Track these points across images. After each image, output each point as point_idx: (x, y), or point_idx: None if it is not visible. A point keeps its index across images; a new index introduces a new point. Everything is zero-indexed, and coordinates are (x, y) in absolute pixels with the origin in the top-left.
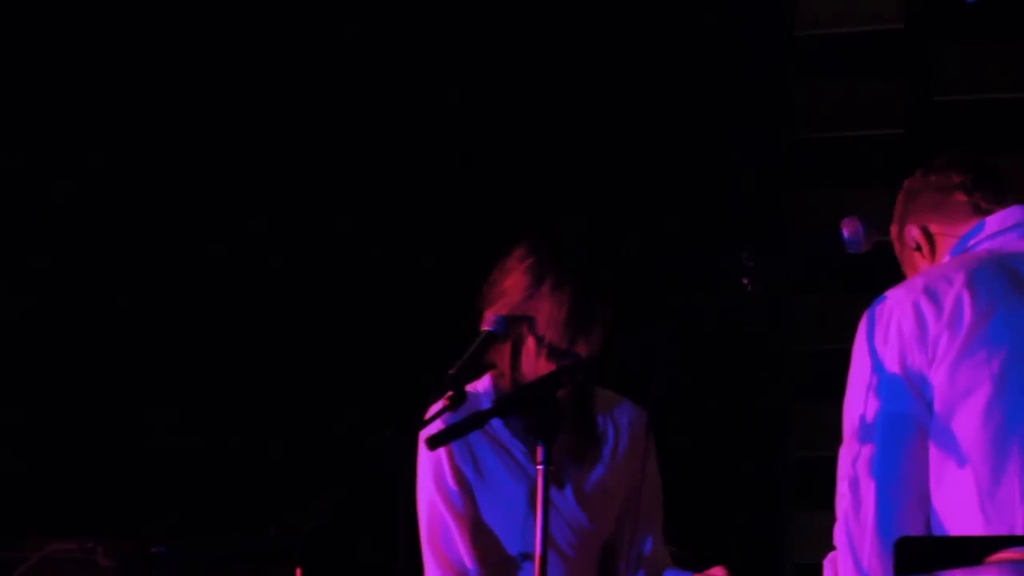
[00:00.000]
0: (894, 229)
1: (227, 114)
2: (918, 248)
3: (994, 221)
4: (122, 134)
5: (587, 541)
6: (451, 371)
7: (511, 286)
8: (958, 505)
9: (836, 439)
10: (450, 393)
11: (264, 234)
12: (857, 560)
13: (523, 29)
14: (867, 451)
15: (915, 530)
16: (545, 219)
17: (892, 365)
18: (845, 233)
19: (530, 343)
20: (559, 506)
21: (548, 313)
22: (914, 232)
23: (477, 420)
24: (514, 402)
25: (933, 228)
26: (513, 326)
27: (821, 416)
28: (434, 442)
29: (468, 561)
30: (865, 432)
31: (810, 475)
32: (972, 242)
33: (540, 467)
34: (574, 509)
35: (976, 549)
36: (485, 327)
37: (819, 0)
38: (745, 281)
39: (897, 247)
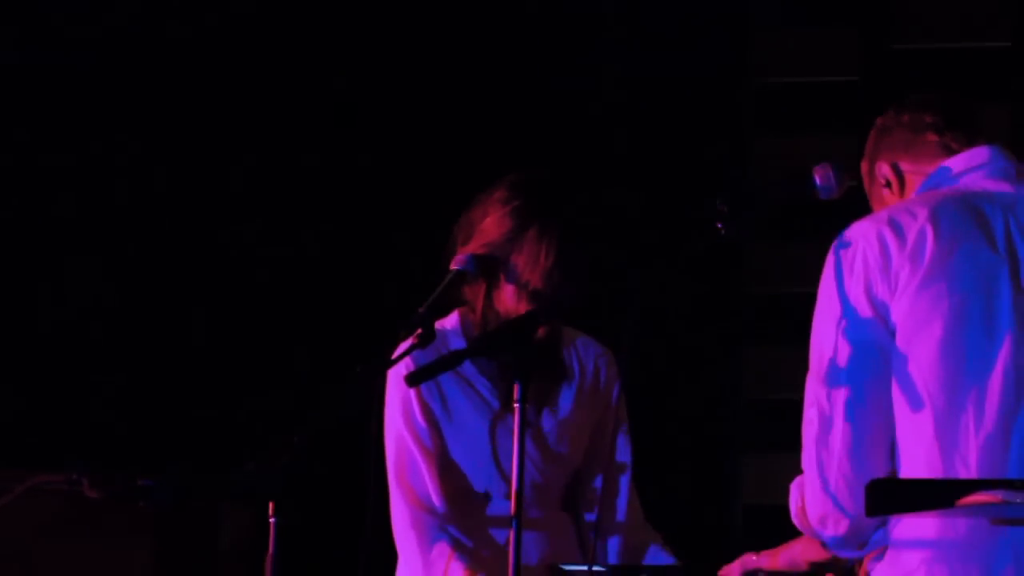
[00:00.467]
0: (864, 165)
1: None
2: (887, 185)
3: (960, 160)
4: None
5: (553, 476)
6: (420, 309)
7: (490, 226)
8: (915, 432)
9: (786, 382)
10: (419, 331)
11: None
12: (824, 484)
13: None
14: (834, 377)
15: (881, 455)
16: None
17: (858, 295)
18: (817, 179)
19: (506, 285)
20: (527, 443)
21: (530, 258)
22: (884, 169)
23: (456, 358)
24: (492, 341)
25: (903, 166)
26: (484, 266)
27: (772, 360)
28: (413, 379)
29: (435, 497)
30: (832, 359)
31: (761, 418)
32: (939, 180)
33: (516, 406)
34: (541, 445)
35: (946, 492)
36: (454, 266)
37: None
38: (719, 226)
39: (866, 183)
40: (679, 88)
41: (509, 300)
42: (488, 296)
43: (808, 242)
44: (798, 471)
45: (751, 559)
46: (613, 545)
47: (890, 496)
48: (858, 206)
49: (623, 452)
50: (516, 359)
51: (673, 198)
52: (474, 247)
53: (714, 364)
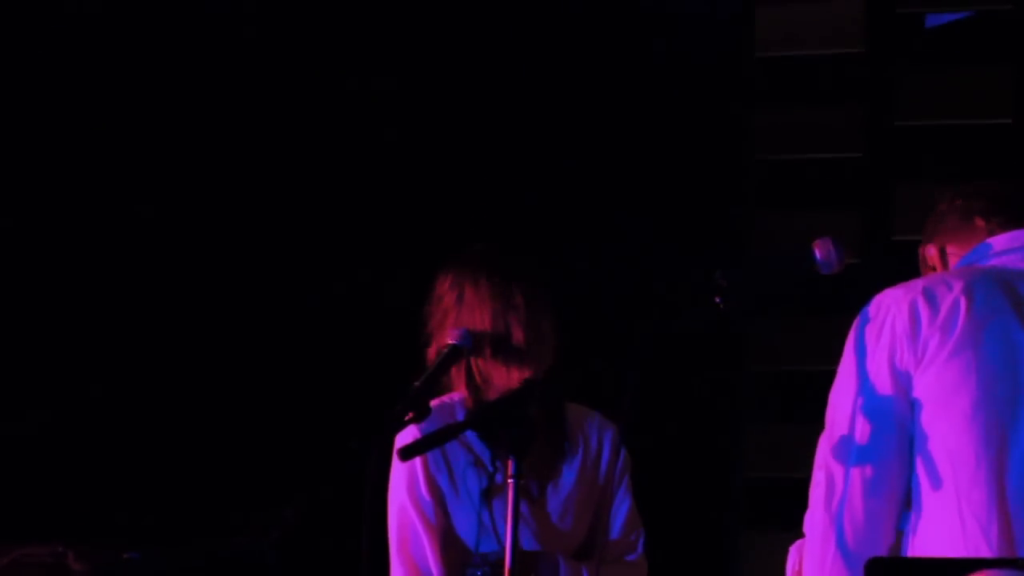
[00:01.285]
0: (920, 250)
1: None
2: (932, 268)
3: (1002, 240)
4: None
5: (557, 552)
6: (415, 384)
7: (442, 308)
8: (937, 506)
9: (788, 462)
10: (411, 413)
11: (248, 240)
12: (824, 554)
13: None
14: (846, 444)
15: (885, 531)
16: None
17: (881, 362)
18: (817, 254)
19: (492, 358)
20: (527, 519)
21: (478, 316)
22: (931, 251)
23: (449, 432)
24: (486, 417)
25: (949, 249)
26: (478, 340)
27: (774, 438)
28: (407, 453)
29: (435, 570)
30: (847, 426)
31: (762, 498)
32: (977, 257)
33: (511, 481)
34: (543, 521)
35: (948, 571)
36: (451, 340)
37: (777, 23)
38: (717, 300)
39: (921, 268)
40: (678, 155)
41: (502, 379)
42: (469, 375)
43: (812, 317)
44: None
45: None
46: None
47: (890, 574)
48: (860, 283)
49: (625, 529)
50: (511, 435)
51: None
52: (452, 321)
53: (714, 441)
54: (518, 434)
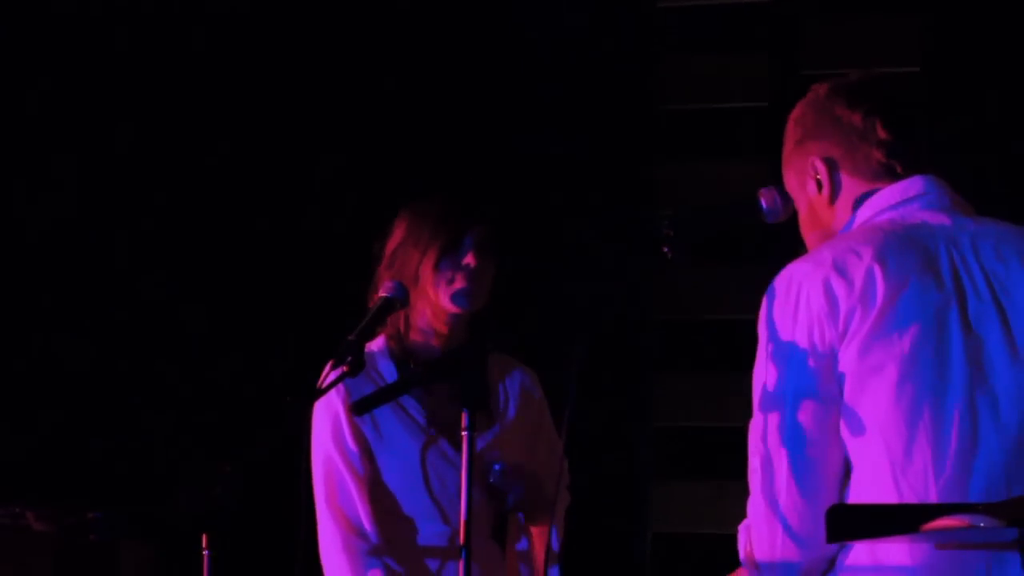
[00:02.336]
0: (789, 142)
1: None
2: (817, 182)
3: (897, 191)
4: None
5: (485, 504)
6: (350, 337)
7: (392, 249)
8: (872, 481)
9: (695, 410)
10: (349, 359)
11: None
12: (772, 533)
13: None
14: (776, 426)
15: (826, 504)
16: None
17: (801, 340)
18: (763, 203)
19: (423, 307)
20: (456, 467)
21: (418, 257)
22: (817, 163)
23: (404, 385)
24: (444, 368)
25: (842, 172)
26: (409, 291)
27: (682, 387)
28: (359, 408)
29: (366, 521)
30: (774, 407)
31: (668, 445)
32: (870, 212)
33: (465, 434)
34: (476, 469)
35: (910, 517)
36: (383, 292)
37: None
38: (665, 249)
39: (788, 165)
40: (583, 111)
41: (427, 322)
42: (407, 319)
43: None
44: (707, 498)
45: None
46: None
47: (852, 522)
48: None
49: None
50: (467, 387)
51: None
52: (384, 276)
53: (624, 390)
54: (473, 385)
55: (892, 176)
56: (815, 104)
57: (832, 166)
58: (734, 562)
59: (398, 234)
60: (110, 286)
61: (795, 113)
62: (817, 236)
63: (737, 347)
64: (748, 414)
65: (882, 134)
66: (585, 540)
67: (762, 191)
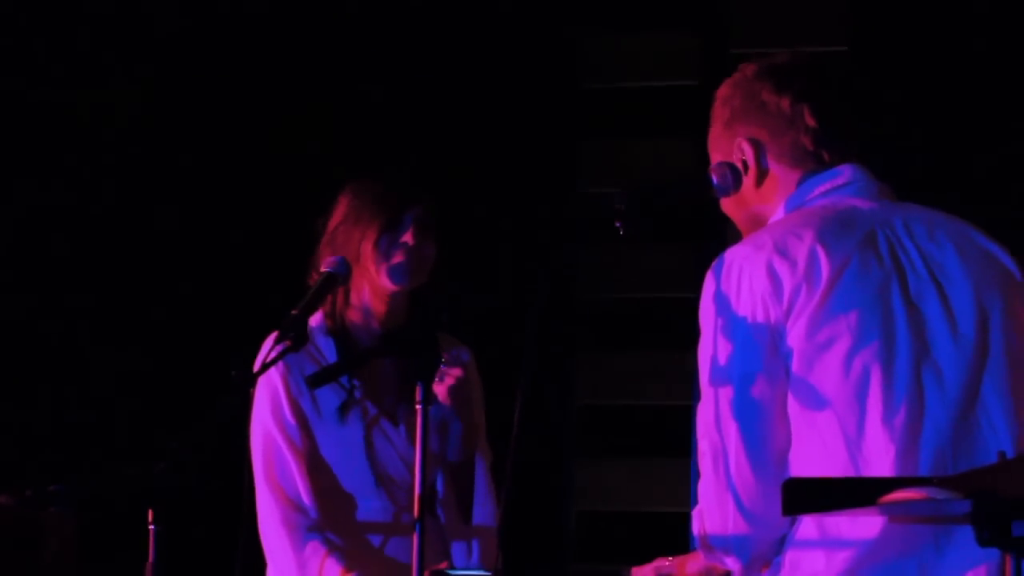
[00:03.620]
0: (718, 125)
1: None
2: (743, 166)
3: (825, 179)
4: None
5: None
6: (294, 312)
7: (333, 226)
8: (828, 456)
9: (618, 389)
10: (293, 333)
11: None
12: (723, 515)
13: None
14: (725, 405)
15: (775, 485)
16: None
17: (745, 320)
18: (715, 179)
19: (363, 284)
20: (395, 443)
21: (360, 234)
22: (744, 145)
23: (360, 359)
24: (399, 342)
25: (769, 157)
26: (351, 266)
27: (603, 365)
28: (315, 381)
29: (305, 495)
30: (722, 387)
31: (592, 423)
32: (803, 199)
33: (419, 407)
34: (407, 446)
35: (867, 490)
36: (325, 268)
37: None
38: (617, 224)
39: (715, 145)
40: (509, 93)
41: (366, 299)
42: (347, 296)
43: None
44: (632, 478)
45: (664, 563)
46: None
47: (808, 495)
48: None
49: (484, 452)
50: (421, 361)
51: (501, 201)
52: (324, 253)
53: (547, 370)
54: (427, 359)
55: (819, 163)
56: (742, 85)
57: (759, 149)
58: (656, 540)
59: (339, 212)
60: (59, 265)
61: (722, 93)
62: (744, 216)
63: (660, 327)
64: (669, 393)
65: (811, 121)
66: (509, 520)
67: (713, 167)
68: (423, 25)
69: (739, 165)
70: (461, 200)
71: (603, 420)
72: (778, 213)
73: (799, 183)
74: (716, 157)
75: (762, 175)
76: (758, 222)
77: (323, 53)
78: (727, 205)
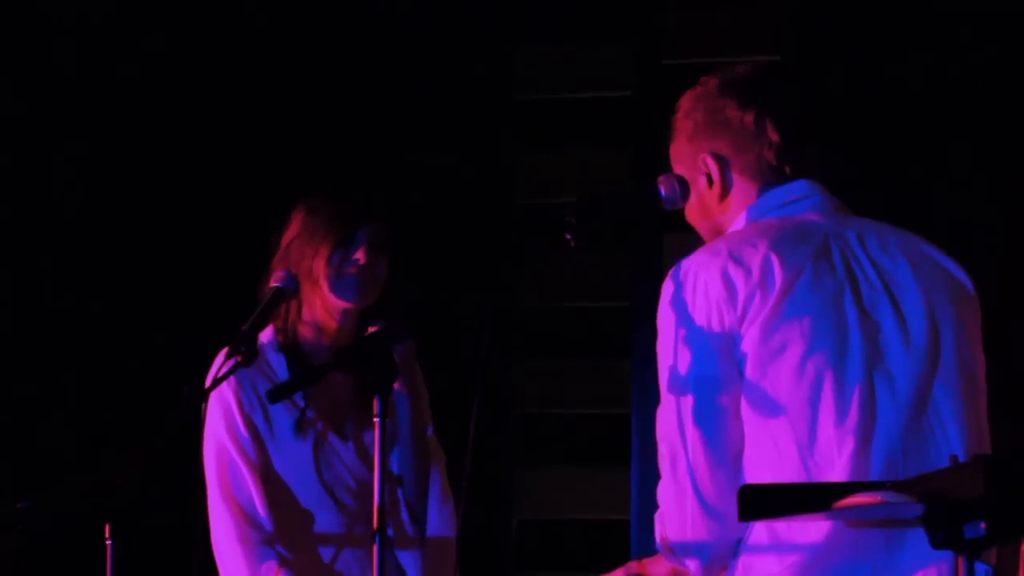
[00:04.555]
0: (680, 140)
1: None
2: (708, 179)
3: (782, 192)
4: None
5: (370, 490)
6: (244, 327)
7: (287, 241)
8: (780, 460)
9: (556, 397)
10: (243, 348)
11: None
12: (682, 517)
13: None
14: (681, 410)
15: (732, 487)
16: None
17: (700, 328)
18: (662, 190)
19: (314, 299)
20: (344, 457)
21: (314, 250)
22: (709, 160)
23: (317, 373)
24: (356, 356)
25: (733, 171)
26: (300, 281)
27: (542, 374)
28: (274, 395)
29: (260, 508)
30: (678, 392)
31: (532, 431)
32: (757, 212)
33: (376, 420)
34: (364, 459)
35: (822, 495)
36: (274, 283)
37: None
38: (568, 236)
39: (678, 162)
40: (442, 103)
41: (318, 316)
42: (299, 311)
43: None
44: (572, 486)
45: (633, 566)
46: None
47: (764, 500)
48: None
49: (437, 454)
50: (377, 375)
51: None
52: (277, 267)
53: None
54: (383, 373)
55: (780, 177)
56: (705, 99)
57: (723, 163)
58: (597, 548)
59: (293, 228)
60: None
61: (684, 105)
62: (707, 227)
63: (599, 334)
64: (609, 400)
65: (774, 136)
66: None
67: (661, 178)
68: (359, 38)
69: (704, 179)
70: (401, 214)
71: (542, 428)
72: (738, 223)
73: (759, 195)
74: (679, 169)
75: (726, 189)
76: (720, 232)
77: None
78: (690, 214)
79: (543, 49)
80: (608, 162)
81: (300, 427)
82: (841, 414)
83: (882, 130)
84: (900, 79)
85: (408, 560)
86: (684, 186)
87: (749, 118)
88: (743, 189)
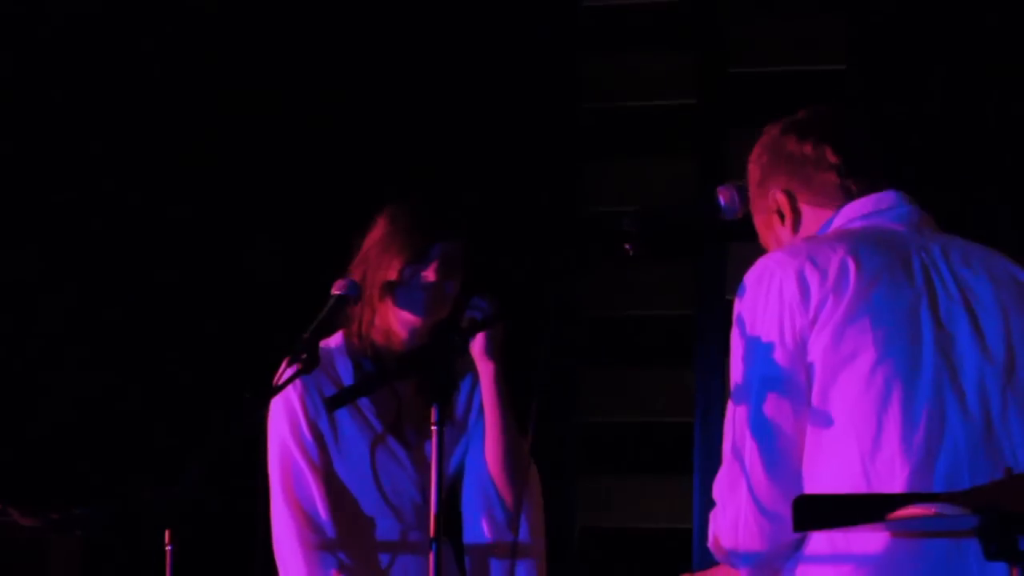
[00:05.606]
0: (753, 181)
1: None
2: (779, 215)
3: (868, 203)
4: None
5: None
6: (305, 334)
7: (369, 251)
8: (840, 468)
9: (620, 406)
10: (304, 355)
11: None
12: (736, 516)
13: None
14: (744, 414)
15: (792, 488)
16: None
17: (771, 329)
18: (722, 200)
19: (385, 307)
20: (404, 464)
21: (387, 260)
22: (779, 197)
23: (376, 380)
24: (415, 363)
25: (802, 202)
26: (364, 289)
27: (607, 382)
28: (333, 403)
29: (323, 512)
30: (743, 396)
31: (596, 440)
32: (843, 220)
33: (434, 428)
34: (421, 467)
35: (876, 506)
36: (336, 291)
37: None
38: (627, 247)
39: (754, 203)
40: (513, 111)
41: (389, 324)
42: (372, 318)
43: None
44: (633, 494)
45: None
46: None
47: (818, 511)
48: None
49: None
50: (435, 382)
51: (511, 222)
52: (356, 271)
53: (551, 385)
54: (441, 380)
55: (848, 195)
56: (769, 145)
57: (791, 197)
58: (658, 557)
59: (373, 235)
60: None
61: (753, 155)
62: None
63: (663, 342)
64: (671, 409)
65: (832, 159)
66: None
67: (720, 189)
68: (426, 48)
69: (776, 217)
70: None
71: (607, 436)
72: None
73: (836, 214)
74: (758, 219)
75: (797, 220)
76: None
77: (328, 71)
78: (765, 240)
79: (609, 58)
80: (674, 171)
81: (362, 433)
82: (908, 428)
83: (951, 143)
84: (969, 83)
85: (498, 569)
86: (743, 195)
87: (808, 147)
88: (813, 216)
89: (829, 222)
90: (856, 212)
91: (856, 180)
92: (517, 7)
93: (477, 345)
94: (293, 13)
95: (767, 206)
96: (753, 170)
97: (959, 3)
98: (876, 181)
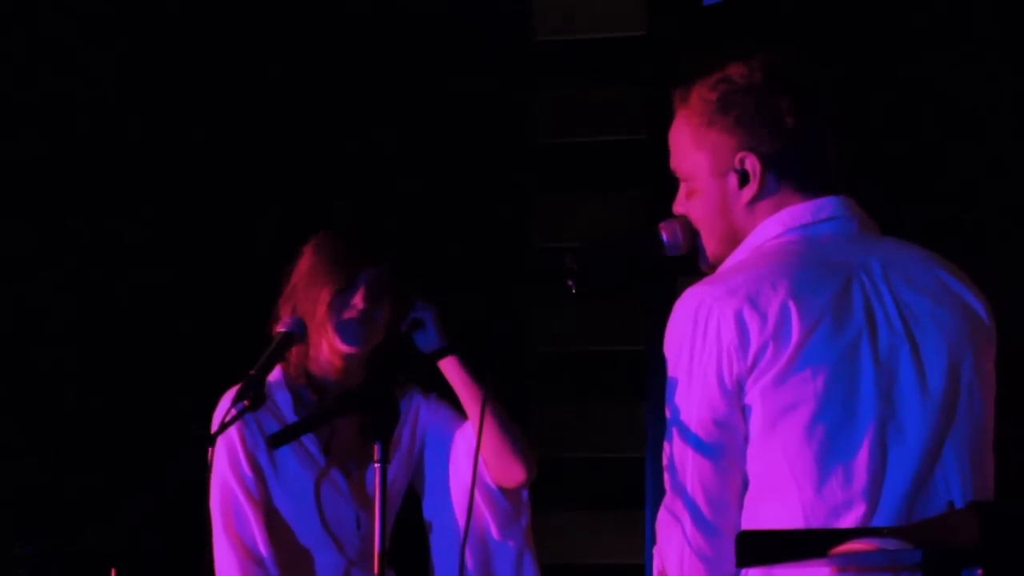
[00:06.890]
0: (703, 118)
1: None
2: (742, 176)
3: (807, 210)
4: None
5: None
6: (251, 371)
7: (294, 283)
8: (780, 515)
9: (571, 441)
10: (251, 393)
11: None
12: (679, 556)
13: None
14: (682, 451)
15: (730, 529)
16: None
17: (708, 368)
18: (664, 236)
19: (321, 342)
20: (347, 498)
21: (318, 293)
22: (751, 159)
23: (319, 418)
24: (357, 400)
25: (775, 175)
26: (307, 325)
27: (558, 418)
28: (275, 441)
29: (263, 547)
30: (682, 432)
31: (548, 475)
32: (780, 228)
33: (377, 465)
34: (365, 501)
35: (819, 542)
36: (281, 328)
37: (558, 6)
38: (569, 283)
39: (703, 149)
40: (464, 147)
41: (325, 356)
42: (306, 351)
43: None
44: (584, 530)
45: None
46: None
47: (762, 546)
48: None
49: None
50: (378, 419)
51: (462, 257)
52: (285, 305)
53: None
54: (385, 416)
55: (814, 189)
56: (752, 92)
57: (766, 167)
58: None
59: (300, 268)
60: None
61: (721, 88)
62: (721, 228)
63: (614, 379)
64: (622, 444)
65: (816, 148)
66: None
67: (662, 224)
68: (380, 79)
69: (735, 177)
70: (417, 254)
71: (559, 472)
72: (759, 233)
73: (788, 204)
74: (699, 157)
75: (761, 192)
76: (734, 237)
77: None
78: (701, 211)
79: (559, 93)
80: (624, 204)
81: (304, 465)
82: (848, 478)
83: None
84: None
85: None
86: (687, 232)
87: (800, 125)
88: (777, 196)
89: (769, 222)
90: (795, 220)
91: (823, 178)
92: (472, 41)
93: (447, 370)
94: (227, 36)
95: (725, 154)
96: (718, 105)
97: None
98: (837, 184)
